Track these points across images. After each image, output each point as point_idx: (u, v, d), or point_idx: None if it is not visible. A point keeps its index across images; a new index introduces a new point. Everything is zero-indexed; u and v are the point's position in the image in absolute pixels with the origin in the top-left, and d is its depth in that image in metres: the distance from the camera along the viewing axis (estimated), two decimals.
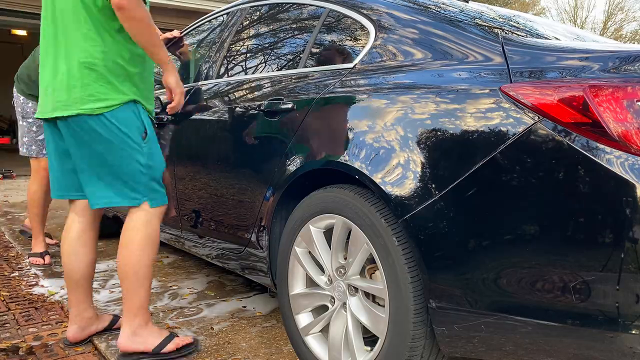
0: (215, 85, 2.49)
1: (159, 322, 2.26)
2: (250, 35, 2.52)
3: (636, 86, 1.19)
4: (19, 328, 2.17)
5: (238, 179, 2.17)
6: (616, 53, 1.29)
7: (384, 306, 1.57)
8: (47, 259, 3.13)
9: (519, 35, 1.66)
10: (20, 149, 3.24)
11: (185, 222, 2.58)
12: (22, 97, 3.21)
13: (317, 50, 2.06)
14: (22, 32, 10.34)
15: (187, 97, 2.60)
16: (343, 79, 1.80)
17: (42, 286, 2.67)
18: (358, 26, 1.90)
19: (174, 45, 2.90)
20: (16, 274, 2.87)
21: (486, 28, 1.67)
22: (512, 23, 1.90)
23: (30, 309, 2.36)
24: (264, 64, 2.35)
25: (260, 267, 2.12)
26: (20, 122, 3.24)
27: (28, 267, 2.99)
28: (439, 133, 1.44)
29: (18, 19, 6.89)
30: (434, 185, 1.42)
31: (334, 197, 1.69)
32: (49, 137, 1.94)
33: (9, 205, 4.92)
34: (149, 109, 1.93)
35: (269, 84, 2.13)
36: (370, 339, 1.66)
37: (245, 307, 2.49)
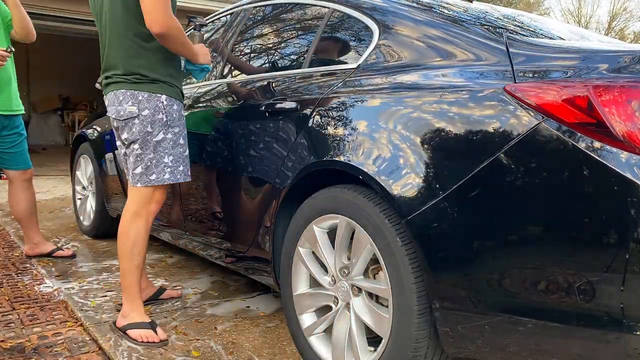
0: (219, 85, 2.49)
1: (162, 322, 2.27)
2: (254, 35, 2.52)
3: None
4: (23, 328, 2.17)
5: (242, 179, 2.17)
6: (621, 53, 1.28)
7: (387, 306, 1.56)
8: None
9: (523, 35, 1.65)
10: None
11: (189, 222, 2.58)
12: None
13: (321, 50, 2.06)
14: None
15: (191, 97, 2.60)
16: (347, 79, 1.80)
17: (47, 285, 2.68)
18: (362, 26, 1.90)
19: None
20: (21, 273, 2.88)
21: (490, 28, 1.67)
22: (516, 23, 1.90)
23: (35, 309, 2.37)
24: (267, 64, 2.35)
25: (264, 267, 2.12)
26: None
27: (33, 267, 3.00)
28: (442, 133, 1.44)
29: None
30: (437, 186, 1.41)
31: (337, 197, 1.69)
32: None
33: None
34: None
35: (272, 84, 2.13)
36: (373, 340, 1.66)
37: (248, 307, 2.50)
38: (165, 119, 2.01)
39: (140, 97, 1.98)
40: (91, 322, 2.23)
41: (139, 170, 2.04)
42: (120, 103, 2.01)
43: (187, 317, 2.34)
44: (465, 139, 1.39)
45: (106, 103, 2.11)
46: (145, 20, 1.86)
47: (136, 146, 2.03)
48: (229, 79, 2.50)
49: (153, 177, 2.04)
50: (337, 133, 1.74)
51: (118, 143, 2.21)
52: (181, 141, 2.08)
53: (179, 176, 2.08)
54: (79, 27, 7.44)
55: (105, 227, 3.62)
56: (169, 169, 2.05)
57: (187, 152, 2.11)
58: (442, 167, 1.43)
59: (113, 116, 2.07)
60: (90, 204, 3.70)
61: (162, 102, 2.00)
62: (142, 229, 2.09)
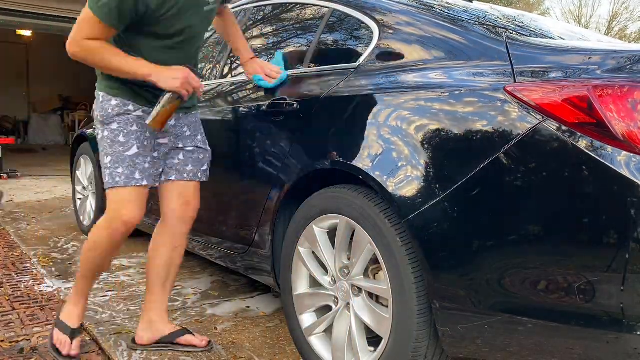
0: (219, 85, 2.49)
1: None
2: (254, 35, 2.52)
3: None
4: (23, 327, 2.17)
5: (242, 178, 2.17)
6: (621, 53, 1.28)
7: (387, 306, 1.56)
8: (76, 344, 1.92)
9: (523, 35, 1.65)
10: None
11: None
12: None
13: (321, 50, 2.06)
14: (27, 33, 10.39)
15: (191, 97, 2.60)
16: (347, 79, 1.80)
17: (47, 285, 2.68)
18: (362, 26, 1.90)
19: None
20: (21, 273, 2.88)
21: (490, 28, 1.67)
22: (516, 23, 1.90)
23: (35, 309, 2.37)
24: None
25: (264, 267, 2.12)
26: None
27: (33, 267, 3.00)
28: (442, 133, 1.44)
29: (23, 19, 6.92)
30: (437, 186, 1.41)
31: (337, 197, 1.69)
32: None
33: (14, 205, 4.94)
34: None
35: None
36: (373, 340, 1.66)
37: (249, 307, 2.50)
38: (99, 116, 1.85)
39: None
40: (91, 322, 2.22)
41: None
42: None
43: (187, 317, 2.33)
44: (465, 139, 1.39)
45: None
46: None
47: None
48: (229, 79, 2.50)
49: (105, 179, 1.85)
50: (337, 133, 1.74)
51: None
52: (121, 139, 1.82)
53: (117, 179, 1.80)
54: None
55: None
56: (107, 171, 1.83)
57: (130, 152, 1.81)
58: (442, 167, 1.43)
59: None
60: (90, 204, 3.70)
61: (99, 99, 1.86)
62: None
